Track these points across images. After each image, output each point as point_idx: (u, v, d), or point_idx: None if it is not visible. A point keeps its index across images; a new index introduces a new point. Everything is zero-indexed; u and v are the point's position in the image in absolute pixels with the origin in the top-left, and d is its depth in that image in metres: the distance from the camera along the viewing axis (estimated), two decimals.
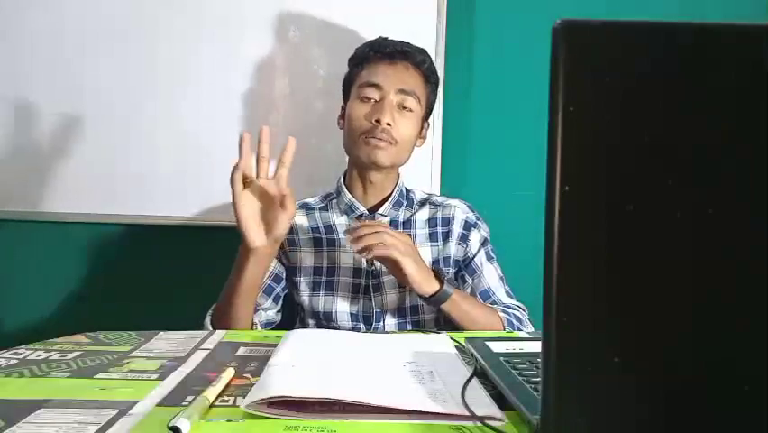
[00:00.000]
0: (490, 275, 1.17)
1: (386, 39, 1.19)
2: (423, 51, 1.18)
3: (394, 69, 1.14)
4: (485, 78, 1.63)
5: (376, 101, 1.13)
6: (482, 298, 1.15)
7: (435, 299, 1.01)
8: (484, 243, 1.20)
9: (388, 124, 1.10)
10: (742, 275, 0.39)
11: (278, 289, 1.17)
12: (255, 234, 0.95)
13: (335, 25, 1.52)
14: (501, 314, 1.09)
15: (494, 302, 1.15)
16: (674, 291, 0.39)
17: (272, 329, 1.15)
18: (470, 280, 1.17)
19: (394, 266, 0.98)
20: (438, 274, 1.02)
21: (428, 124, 1.24)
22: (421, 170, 1.54)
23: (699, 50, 0.38)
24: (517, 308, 1.14)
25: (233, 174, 0.93)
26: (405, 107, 1.14)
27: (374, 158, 1.12)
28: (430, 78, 1.19)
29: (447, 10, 1.54)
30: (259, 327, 1.09)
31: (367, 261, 1.12)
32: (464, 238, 1.18)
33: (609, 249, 0.39)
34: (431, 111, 1.23)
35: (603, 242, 0.39)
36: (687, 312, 0.39)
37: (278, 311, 1.17)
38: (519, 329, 1.08)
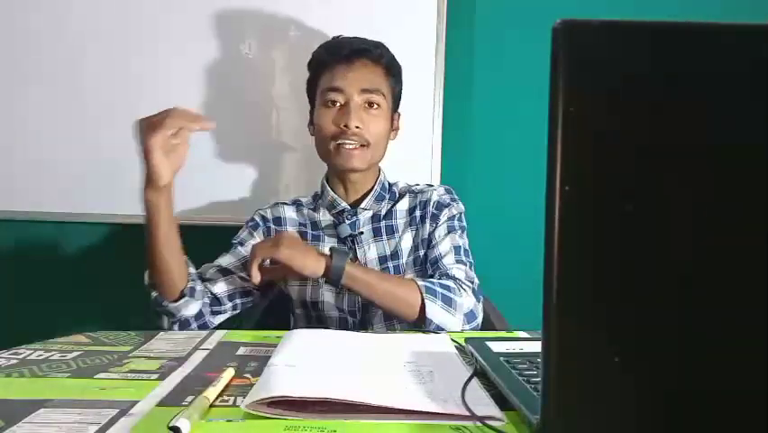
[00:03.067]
0: (443, 244, 1.14)
1: (340, 38, 1.19)
2: (379, 45, 1.18)
3: (354, 70, 1.13)
4: (485, 78, 1.63)
5: (341, 105, 1.13)
6: (430, 265, 1.13)
7: (332, 277, 0.98)
8: (451, 218, 1.17)
9: (358, 127, 1.11)
10: (742, 275, 0.39)
11: (238, 280, 1.14)
12: (167, 170, 0.93)
13: (335, 25, 1.52)
14: (420, 282, 1.02)
15: (438, 268, 1.12)
16: (674, 291, 0.39)
17: (269, 328, 1.14)
18: (427, 253, 1.15)
19: (283, 265, 0.97)
20: (331, 253, 0.99)
21: (399, 115, 1.23)
22: (421, 170, 1.54)
23: (699, 50, 0.38)
24: (453, 277, 1.08)
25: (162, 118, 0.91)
26: (371, 105, 1.14)
27: (350, 165, 1.13)
28: (391, 69, 1.18)
29: (447, 10, 1.54)
30: (197, 296, 1.06)
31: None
32: (435, 217, 1.17)
33: (609, 249, 0.39)
34: (399, 101, 1.23)
35: (603, 242, 0.39)
36: (687, 312, 0.39)
37: (254, 286, 1.12)
38: (448, 299, 1.01)
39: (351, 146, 1.12)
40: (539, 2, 1.57)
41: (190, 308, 1.05)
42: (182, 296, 1.03)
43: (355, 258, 1.14)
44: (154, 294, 1.04)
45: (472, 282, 1.09)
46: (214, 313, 1.11)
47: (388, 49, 1.19)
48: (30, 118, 1.54)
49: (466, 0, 1.61)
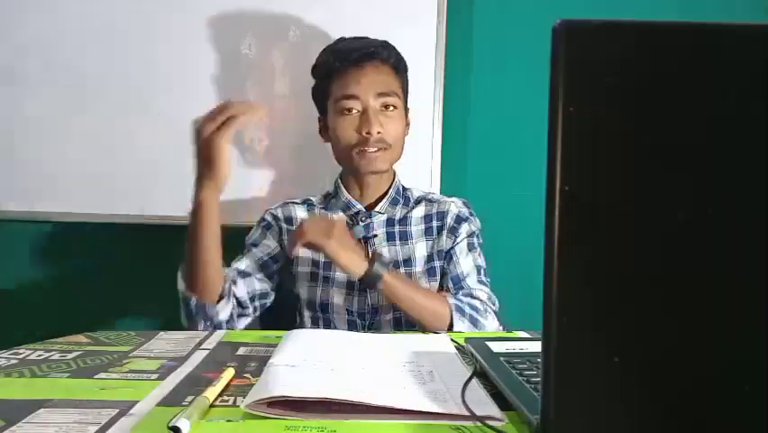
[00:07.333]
0: (465, 262, 1.15)
1: (346, 41, 1.18)
2: (386, 45, 1.17)
3: (365, 75, 1.12)
4: (485, 78, 1.63)
5: (358, 111, 1.12)
6: (452, 283, 1.14)
7: (368, 280, 1.00)
8: (471, 235, 1.19)
9: (379, 133, 1.11)
10: (742, 275, 0.39)
11: (274, 267, 1.16)
12: (226, 164, 0.92)
13: (335, 25, 1.52)
14: (451, 300, 1.06)
15: (461, 288, 1.13)
16: (674, 291, 0.39)
17: (273, 329, 1.14)
18: (446, 267, 1.16)
19: (325, 253, 0.99)
20: (374, 257, 1.01)
21: (408, 110, 1.23)
22: (421, 170, 1.54)
23: (699, 50, 0.38)
24: (479, 299, 1.10)
25: (220, 112, 0.90)
26: (388, 108, 1.14)
27: (372, 168, 1.13)
28: (399, 67, 1.18)
29: (447, 10, 1.54)
30: (237, 290, 1.07)
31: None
32: (454, 231, 1.18)
33: (609, 249, 0.39)
34: (408, 96, 1.23)
35: (603, 242, 0.39)
36: (687, 312, 0.39)
37: (270, 287, 1.15)
38: (475, 320, 1.05)
39: (373, 150, 1.12)
40: (539, 2, 1.57)
41: (225, 311, 1.02)
42: (221, 298, 1.01)
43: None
44: (194, 300, 0.99)
45: (494, 304, 1.12)
46: (240, 316, 1.08)
47: (393, 46, 1.18)
48: (30, 118, 1.53)
49: (466, 0, 1.61)
